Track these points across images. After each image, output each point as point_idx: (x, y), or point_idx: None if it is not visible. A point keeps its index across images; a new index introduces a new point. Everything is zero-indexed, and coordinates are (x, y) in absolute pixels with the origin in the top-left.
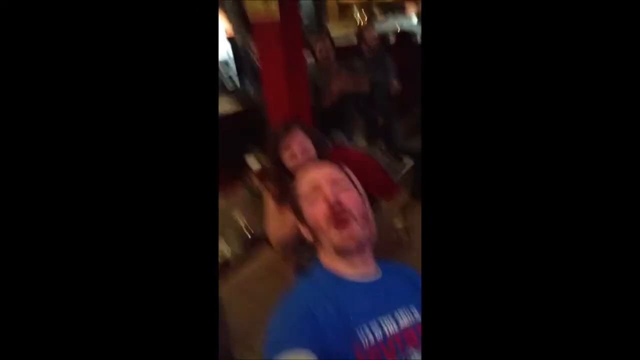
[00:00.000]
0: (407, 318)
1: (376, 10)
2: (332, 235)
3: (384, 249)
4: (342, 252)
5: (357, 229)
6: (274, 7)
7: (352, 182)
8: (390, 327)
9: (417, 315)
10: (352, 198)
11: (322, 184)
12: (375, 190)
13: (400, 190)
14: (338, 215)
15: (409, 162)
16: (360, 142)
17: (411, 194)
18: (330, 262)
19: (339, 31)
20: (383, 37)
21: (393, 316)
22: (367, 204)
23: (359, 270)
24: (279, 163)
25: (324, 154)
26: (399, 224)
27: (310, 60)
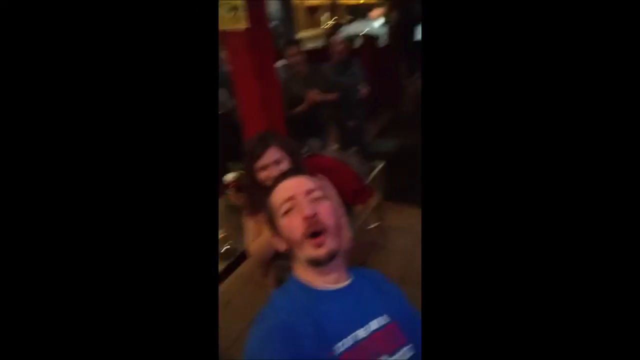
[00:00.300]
0: (377, 323)
1: (342, 13)
2: (306, 248)
3: (357, 250)
4: (314, 264)
5: (331, 242)
6: (242, 14)
7: (327, 192)
8: (361, 333)
9: (386, 320)
10: (327, 209)
11: (296, 196)
12: (350, 196)
13: (374, 193)
14: (312, 229)
15: (380, 163)
16: (333, 147)
17: (383, 195)
18: (304, 273)
19: (306, 34)
20: (349, 40)
21: (364, 321)
22: (343, 213)
23: (330, 279)
24: (253, 175)
25: (298, 164)
26: (371, 224)
27: (280, 64)
